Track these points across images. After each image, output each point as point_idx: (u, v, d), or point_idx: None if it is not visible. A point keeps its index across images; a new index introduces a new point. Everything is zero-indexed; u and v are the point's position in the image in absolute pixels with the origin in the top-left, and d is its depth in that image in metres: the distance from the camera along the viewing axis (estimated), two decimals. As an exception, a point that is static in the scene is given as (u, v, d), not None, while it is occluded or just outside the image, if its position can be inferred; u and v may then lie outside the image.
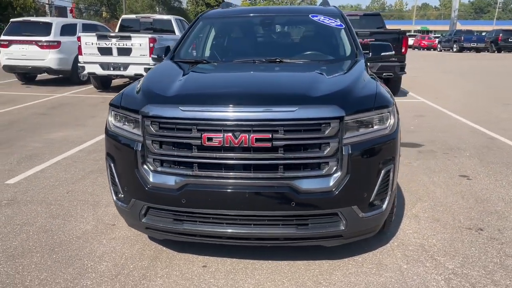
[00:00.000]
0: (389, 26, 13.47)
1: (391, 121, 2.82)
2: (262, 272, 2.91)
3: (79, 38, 11.27)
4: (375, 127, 2.75)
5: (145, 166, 2.75)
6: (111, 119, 2.99)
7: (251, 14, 4.61)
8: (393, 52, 4.05)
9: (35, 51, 12.38)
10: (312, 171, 2.63)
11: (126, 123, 2.86)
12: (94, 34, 11.44)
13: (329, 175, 2.62)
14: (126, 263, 3.02)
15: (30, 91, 11.89)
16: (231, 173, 2.62)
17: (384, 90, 2.99)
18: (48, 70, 12.55)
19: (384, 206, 2.83)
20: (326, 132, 2.57)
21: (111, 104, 3.00)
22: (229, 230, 2.70)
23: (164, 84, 2.97)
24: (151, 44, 10.96)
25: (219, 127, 2.57)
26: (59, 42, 12.43)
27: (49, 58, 12.36)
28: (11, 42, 12.52)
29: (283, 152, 2.57)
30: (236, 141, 2.54)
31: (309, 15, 4.25)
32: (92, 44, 11.12)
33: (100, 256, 3.12)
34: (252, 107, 2.59)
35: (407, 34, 11.66)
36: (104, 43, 11.03)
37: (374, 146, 2.72)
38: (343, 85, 2.86)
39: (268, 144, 2.54)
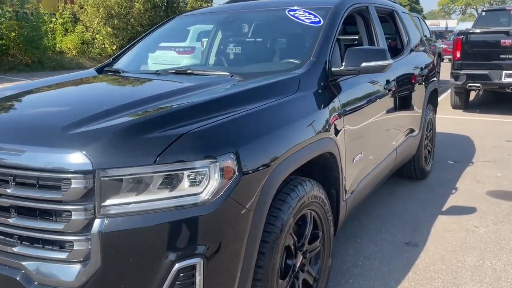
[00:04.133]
0: None
1: (212, 183, 1.63)
2: None
3: (202, 43, 11.52)
4: (176, 191, 1.62)
5: None
6: None
7: (221, 12, 3.60)
8: (386, 63, 2.58)
9: (173, 56, 13.20)
10: (51, 252, 1.66)
11: None
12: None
13: (73, 262, 1.62)
14: None
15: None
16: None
17: (224, 130, 1.77)
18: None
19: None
20: (65, 192, 1.59)
21: None
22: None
23: None
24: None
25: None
26: (193, 48, 12.98)
27: (184, 63, 13.01)
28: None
29: (16, 215, 1.69)
30: None
31: (287, 10, 3.06)
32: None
33: None
34: None
35: None
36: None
37: (162, 224, 1.59)
38: (125, 119, 1.77)
39: (-7, 201, 1.70)
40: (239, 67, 2.91)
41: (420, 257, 3.08)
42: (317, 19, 2.89)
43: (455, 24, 57.84)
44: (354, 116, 2.71)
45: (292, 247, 2.11)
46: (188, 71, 2.67)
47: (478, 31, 8.53)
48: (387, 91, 3.34)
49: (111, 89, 2.64)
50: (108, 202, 1.58)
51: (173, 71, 2.77)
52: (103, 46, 22.18)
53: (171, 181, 1.61)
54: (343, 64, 2.60)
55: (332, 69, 2.61)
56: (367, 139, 2.96)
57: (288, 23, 3.03)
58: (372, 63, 2.56)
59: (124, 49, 3.47)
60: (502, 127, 7.51)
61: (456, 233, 3.45)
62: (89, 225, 1.58)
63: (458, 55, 8.46)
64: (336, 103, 2.52)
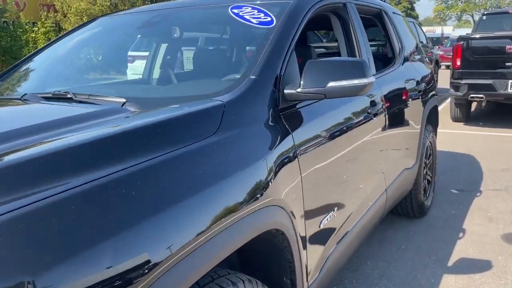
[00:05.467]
0: None
1: None
2: None
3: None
4: None
5: None
6: None
7: (149, 11, 2.72)
8: (365, 82, 1.71)
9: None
10: None
11: None
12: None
13: None
14: None
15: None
16: None
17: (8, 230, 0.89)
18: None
19: None
20: None
21: None
22: None
23: None
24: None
25: None
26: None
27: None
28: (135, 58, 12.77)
29: None
30: None
31: (229, 9, 2.18)
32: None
33: None
34: None
35: None
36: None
37: None
38: None
39: None
40: (153, 88, 2.04)
41: None
42: (269, 19, 2.02)
43: (451, 30, 57.40)
44: (319, 162, 1.83)
45: None
46: (68, 96, 1.79)
47: (480, 36, 7.69)
48: (372, 116, 2.47)
49: None
50: None
51: (50, 94, 1.88)
52: (87, 56, 21.34)
53: None
54: (301, 83, 1.72)
55: (286, 91, 1.74)
56: (342, 190, 2.09)
57: (230, 25, 2.17)
58: (344, 82, 1.69)
59: (18, 62, 2.59)
60: (510, 144, 6.64)
61: (467, 304, 2.57)
62: None
63: (459, 63, 7.61)
64: (289, 143, 1.64)
